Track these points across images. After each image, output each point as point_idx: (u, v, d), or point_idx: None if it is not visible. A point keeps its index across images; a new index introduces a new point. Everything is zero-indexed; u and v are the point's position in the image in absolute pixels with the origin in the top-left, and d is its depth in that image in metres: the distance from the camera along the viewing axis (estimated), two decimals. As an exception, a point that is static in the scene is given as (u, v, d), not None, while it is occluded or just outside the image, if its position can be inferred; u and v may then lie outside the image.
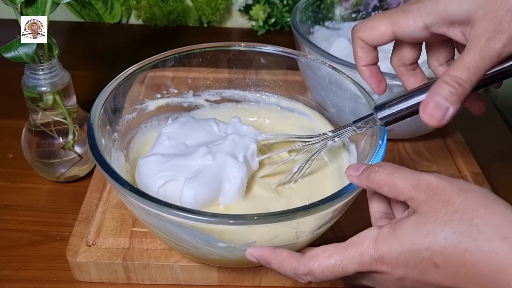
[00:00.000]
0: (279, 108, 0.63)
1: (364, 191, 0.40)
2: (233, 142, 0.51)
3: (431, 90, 0.37)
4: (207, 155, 0.49)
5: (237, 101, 0.63)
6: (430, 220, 0.32)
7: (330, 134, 0.49)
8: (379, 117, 0.43)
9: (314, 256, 0.36)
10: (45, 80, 0.54)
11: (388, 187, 0.36)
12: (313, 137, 0.50)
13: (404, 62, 0.44)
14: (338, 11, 0.82)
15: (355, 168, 0.39)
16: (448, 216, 0.32)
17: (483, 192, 0.33)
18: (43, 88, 0.54)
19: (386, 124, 0.44)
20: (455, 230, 0.31)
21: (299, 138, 0.52)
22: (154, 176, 0.48)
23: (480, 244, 0.31)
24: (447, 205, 0.32)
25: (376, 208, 0.40)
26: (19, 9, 0.50)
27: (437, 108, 0.36)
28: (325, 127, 0.59)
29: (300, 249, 0.43)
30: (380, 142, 0.45)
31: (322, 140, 0.49)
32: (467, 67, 0.35)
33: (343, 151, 0.55)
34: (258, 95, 0.63)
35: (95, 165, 0.60)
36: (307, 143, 0.51)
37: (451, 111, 0.36)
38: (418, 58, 0.45)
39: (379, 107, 0.43)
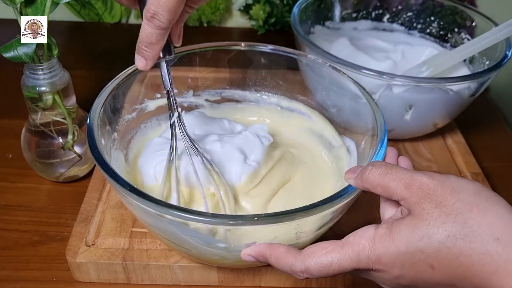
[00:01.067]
0: (279, 108, 0.63)
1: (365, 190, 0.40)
2: (245, 138, 0.51)
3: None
4: (216, 142, 0.49)
5: (237, 101, 0.63)
6: (424, 223, 0.33)
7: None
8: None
9: (311, 254, 0.36)
10: (45, 80, 0.54)
11: (382, 187, 0.36)
12: None
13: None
14: (338, 11, 0.82)
15: (352, 171, 0.40)
16: (442, 219, 0.32)
17: (476, 189, 0.33)
18: (43, 88, 0.54)
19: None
20: (449, 233, 0.32)
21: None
22: (153, 153, 0.49)
23: (474, 247, 0.31)
24: (439, 206, 0.33)
25: None
26: (18, 9, 0.50)
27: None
28: (325, 127, 0.59)
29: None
30: (380, 142, 0.45)
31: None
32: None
33: (344, 151, 0.55)
34: (258, 95, 0.63)
35: (95, 165, 0.59)
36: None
37: None
38: None
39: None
